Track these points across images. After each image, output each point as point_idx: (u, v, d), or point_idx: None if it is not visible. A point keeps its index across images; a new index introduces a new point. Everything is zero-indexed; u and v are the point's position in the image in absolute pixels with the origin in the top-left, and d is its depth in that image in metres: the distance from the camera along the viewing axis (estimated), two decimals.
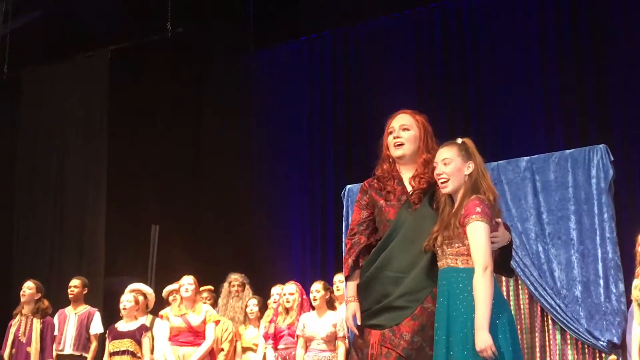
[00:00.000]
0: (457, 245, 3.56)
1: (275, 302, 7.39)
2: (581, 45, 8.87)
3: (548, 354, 6.45)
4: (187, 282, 7.08)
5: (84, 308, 8.07)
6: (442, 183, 3.67)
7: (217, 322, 7.10)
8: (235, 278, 8.08)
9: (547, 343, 6.48)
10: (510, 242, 3.71)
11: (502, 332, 3.41)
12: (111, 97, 10.49)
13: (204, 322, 6.98)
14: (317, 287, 6.91)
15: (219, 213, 10.90)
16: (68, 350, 7.81)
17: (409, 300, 3.68)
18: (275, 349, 7.00)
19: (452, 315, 3.48)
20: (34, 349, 7.58)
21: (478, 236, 3.48)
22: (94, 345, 7.89)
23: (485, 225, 3.49)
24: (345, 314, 3.98)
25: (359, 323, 3.81)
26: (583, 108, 8.75)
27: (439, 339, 3.50)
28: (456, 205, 3.65)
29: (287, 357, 6.87)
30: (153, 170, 10.60)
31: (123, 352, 7.10)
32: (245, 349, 7.58)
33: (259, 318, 7.65)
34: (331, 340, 6.70)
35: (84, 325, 7.90)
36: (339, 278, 7.28)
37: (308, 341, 6.73)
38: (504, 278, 6.53)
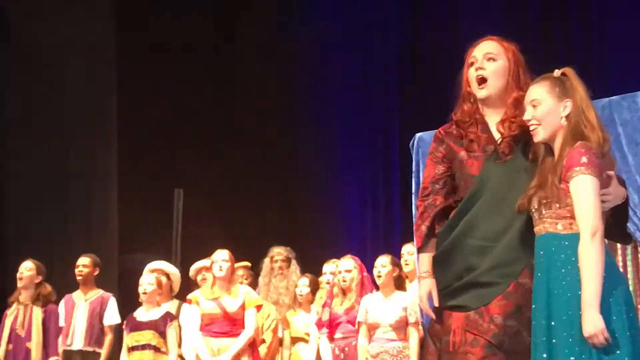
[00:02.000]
0: (557, 205, 3.55)
1: (328, 283, 7.40)
2: None
3: None
4: (222, 259, 6.99)
5: (95, 293, 8.09)
6: (532, 130, 3.67)
7: (259, 307, 7.07)
8: (278, 252, 8.07)
9: None
10: (626, 199, 3.68)
11: (616, 313, 3.39)
12: (119, 37, 10.55)
13: (243, 308, 6.92)
14: (382, 262, 6.86)
15: (258, 173, 10.88)
16: (78, 344, 7.83)
17: (499, 275, 3.69)
18: (332, 339, 7.01)
19: (553, 294, 3.47)
20: (35, 343, 7.62)
21: (584, 193, 3.45)
22: (109, 338, 7.90)
23: (593, 179, 3.47)
24: (418, 293, 3.98)
25: (436, 304, 3.83)
26: None
27: (537, 324, 3.50)
28: (555, 157, 3.62)
29: (346, 349, 6.89)
30: (175, 125, 10.67)
31: (144, 347, 7.15)
32: (295, 340, 7.60)
33: (311, 301, 7.65)
34: (401, 327, 6.69)
35: (96, 315, 7.92)
36: (407, 249, 7.27)
37: (372, 329, 6.72)
38: (619, 246, 6.52)
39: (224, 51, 11.53)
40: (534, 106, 3.64)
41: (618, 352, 3.35)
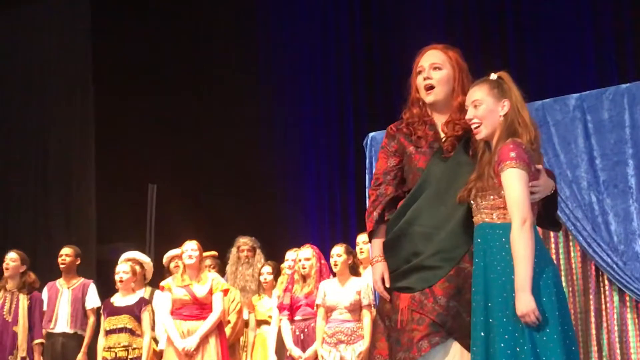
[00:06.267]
0: (492, 197, 3.59)
1: (290, 268, 7.42)
2: None
3: (604, 318, 6.49)
4: (191, 248, 7.08)
5: (77, 281, 8.16)
6: (474, 129, 3.69)
7: (225, 292, 7.14)
8: (244, 242, 8.11)
9: (604, 306, 6.52)
10: (555, 191, 3.73)
11: (546, 295, 3.43)
12: (95, 41, 10.48)
13: (211, 293, 7.01)
14: (338, 251, 6.91)
15: (224, 169, 10.90)
16: (62, 327, 7.92)
17: (442, 259, 3.71)
18: (292, 320, 7.06)
19: (489, 278, 3.52)
20: (21, 328, 7.67)
21: (513, 185, 3.48)
22: (91, 320, 7.98)
23: (521, 172, 3.50)
24: (372, 276, 4.00)
25: (387, 286, 3.84)
26: None
27: (477, 305, 3.55)
28: (492, 152, 3.65)
29: (306, 330, 6.94)
30: (149, 124, 10.60)
31: (121, 330, 7.20)
32: (260, 322, 7.62)
33: (273, 287, 7.66)
34: (355, 309, 6.74)
35: (79, 300, 7.99)
36: (362, 239, 7.27)
37: (329, 311, 6.77)
38: (552, 234, 6.58)
39: (195, 59, 11.49)
40: (476, 106, 3.66)
41: (548, 330, 3.39)
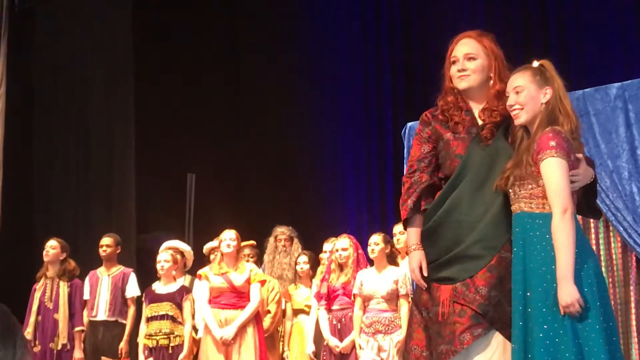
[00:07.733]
0: (530, 186, 3.57)
1: (328, 260, 7.39)
2: None
3: None
4: (229, 237, 7.10)
5: (117, 269, 8.22)
6: (514, 114, 3.67)
7: (262, 282, 7.15)
8: (282, 231, 8.17)
9: None
10: (595, 179, 3.71)
11: (587, 285, 3.42)
12: (135, 31, 10.51)
13: (248, 282, 7.00)
14: (375, 240, 6.91)
15: (262, 158, 10.94)
16: (102, 316, 7.97)
17: (484, 248, 3.67)
18: (329, 310, 7.06)
19: (529, 267, 3.50)
20: (62, 315, 7.71)
21: (554, 174, 3.47)
22: (131, 310, 8.03)
23: (561, 160, 3.49)
24: (409, 265, 3.94)
25: (425, 275, 3.80)
26: None
27: (515, 295, 3.52)
28: (531, 139, 3.63)
29: (343, 319, 6.95)
30: (187, 113, 10.66)
31: (162, 317, 7.23)
32: (296, 312, 7.67)
33: (311, 276, 7.71)
34: (393, 298, 6.74)
35: (118, 288, 8.04)
36: (399, 229, 7.30)
37: (366, 300, 6.77)
38: (592, 225, 6.59)
39: (229, 51, 11.60)
40: (517, 92, 3.64)
41: (589, 320, 3.38)
